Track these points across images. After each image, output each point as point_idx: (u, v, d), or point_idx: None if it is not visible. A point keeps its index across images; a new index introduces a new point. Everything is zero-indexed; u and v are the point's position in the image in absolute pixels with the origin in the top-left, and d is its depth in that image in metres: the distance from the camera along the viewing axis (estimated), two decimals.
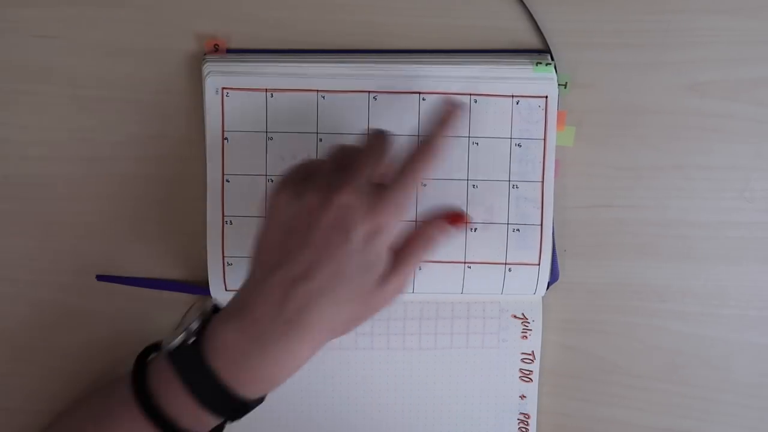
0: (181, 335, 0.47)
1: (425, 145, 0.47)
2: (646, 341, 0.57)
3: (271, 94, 0.53)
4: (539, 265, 0.54)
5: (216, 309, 0.49)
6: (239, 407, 0.46)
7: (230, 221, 0.54)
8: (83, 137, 0.55)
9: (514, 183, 0.54)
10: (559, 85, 0.52)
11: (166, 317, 0.58)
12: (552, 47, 0.53)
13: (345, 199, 0.44)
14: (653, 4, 0.52)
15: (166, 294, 0.57)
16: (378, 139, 0.48)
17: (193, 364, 0.46)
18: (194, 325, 0.47)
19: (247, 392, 0.46)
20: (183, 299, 0.57)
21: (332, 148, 0.49)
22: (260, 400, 0.48)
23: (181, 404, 0.46)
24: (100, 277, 0.57)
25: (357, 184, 0.45)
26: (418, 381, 0.57)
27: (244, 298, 0.46)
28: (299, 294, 0.44)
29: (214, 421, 0.47)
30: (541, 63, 0.52)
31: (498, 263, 0.54)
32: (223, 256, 0.55)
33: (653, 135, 0.54)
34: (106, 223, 0.56)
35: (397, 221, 0.45)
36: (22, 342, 0.57)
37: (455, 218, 0.49)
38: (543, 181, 0.53)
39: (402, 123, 0.53)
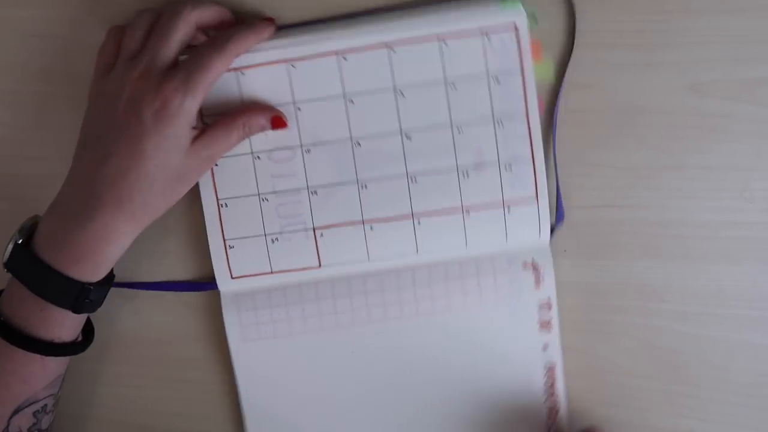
0: (10, 246, 0.50)
1: (218, 37, 0.50)
2: (646, 341, 0.57)
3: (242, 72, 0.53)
4: (537, 199, 0.54)
5: (35, 218, 0.52)
6: (80, 292, 0.49)
7: (225, 204, 0.54)
8: None
9: (499, 120, 0.53)
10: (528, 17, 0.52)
11: (166, 316, 0.58)
12: (552, 47, 0.53)
13: (135, 84, 0.48)
14: (653, 4, 0.52)
15: (167, 292, 0.57)
16: (167, 19, 0.50)
17: (25, 262, 0.49)
18: (18, 236, 0.50)
19: (83, 274, 0.49)
20: (183, 297, 0.57)
21: (129, 30, 0.51)
22: (103, 285, 0.51)
23: (27, 308, 0.49)
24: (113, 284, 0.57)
25: (146, 68, 0.48)
26: (438, 345, 0.56)
27: (62, 189, 0.50)
28: (106, 171, 0.48)
29: (68, 320, 0.50)
30: (507, 0, 0.52)
31: (496, 205, 0.54)
32: (224, 239, 0.55)
33: (653, 135, 0.54)
34: None
35: (189, 99, 0.48)
36: None
37: (276, 120, 0.52)
38: (528, 115, 0.53)
39: (376, 79, 0.52)
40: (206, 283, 0.56)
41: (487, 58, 0.52)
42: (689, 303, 0.56)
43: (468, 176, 0.53)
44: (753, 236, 0.55)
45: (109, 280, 0.52)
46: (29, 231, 0.50)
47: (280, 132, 0.53)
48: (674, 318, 0.56)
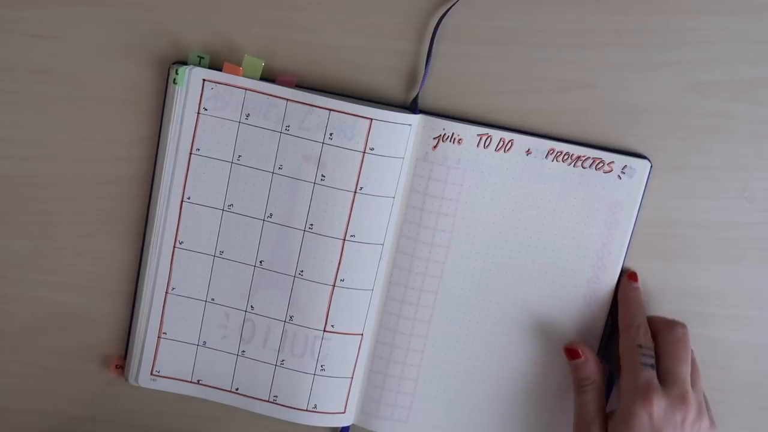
0: None
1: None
2: None
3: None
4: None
5: None
6: None
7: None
8: (83, 137, 0.55)
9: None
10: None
11: None
12: (551, 47, 0.53)
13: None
14: (653, 4, 0.52)
15: None
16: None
17: None
18: None
19: None
20: None
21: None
22: None
23: None
24: None
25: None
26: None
27: None
28: None
29: None
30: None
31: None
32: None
33: (653, 135, 0.54)
34: (106, 223, 0.56)
35: None
36: (22, 342, 0.57)
37: None
38: None
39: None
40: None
41: None
42: (689, 303, 0.56)
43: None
44: (753, 236, 0.55)
45: None
46: None
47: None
48: (674, 318, 0.56)
